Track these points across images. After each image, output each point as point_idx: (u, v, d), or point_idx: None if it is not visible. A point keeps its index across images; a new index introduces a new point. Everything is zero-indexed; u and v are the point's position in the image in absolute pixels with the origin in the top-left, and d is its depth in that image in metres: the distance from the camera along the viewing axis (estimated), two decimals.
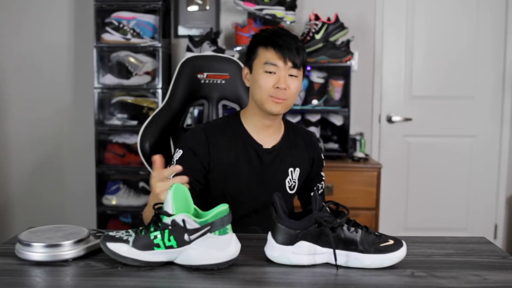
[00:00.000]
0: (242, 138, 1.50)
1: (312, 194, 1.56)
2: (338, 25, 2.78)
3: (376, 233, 1.09)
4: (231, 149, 1.49)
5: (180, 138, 1.56)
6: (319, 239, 1.06)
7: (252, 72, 1.47)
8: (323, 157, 1.64)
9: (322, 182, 1.62)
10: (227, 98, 1.81)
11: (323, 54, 2.75)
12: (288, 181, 1.53)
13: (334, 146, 2.91)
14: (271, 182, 1.50)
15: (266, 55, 1.42)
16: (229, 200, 1.30)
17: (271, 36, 1.43)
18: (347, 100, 2.82)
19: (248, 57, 1.49)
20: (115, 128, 2.89)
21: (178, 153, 1.47)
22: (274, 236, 1.08)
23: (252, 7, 2.74)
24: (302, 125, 2.91)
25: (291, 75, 1.42)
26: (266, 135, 1.51)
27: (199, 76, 1.78)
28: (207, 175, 1.47)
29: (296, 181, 1.54)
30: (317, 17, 2.78)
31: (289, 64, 1.41)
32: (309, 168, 1.59)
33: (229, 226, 1.05)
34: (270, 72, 1.41)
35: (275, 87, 1.40)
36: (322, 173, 1.64)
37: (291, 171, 1.53)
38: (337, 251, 1.06)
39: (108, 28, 2.80)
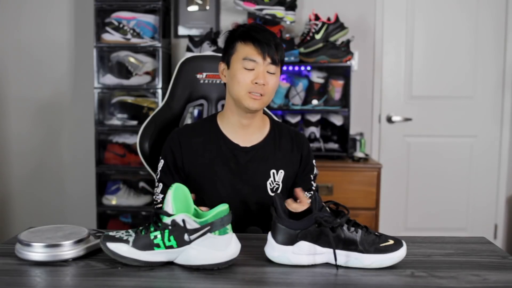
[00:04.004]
0: (217, 139, 1.47)
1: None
2: (338, 25, 2.78)
3: (376, 233, 1.09)
4: (206, 151, 1.47)
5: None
6: (319, 239, 1.06)
7: (230, 67, 1.43)
8: (314, 163, 1.55)
9: (310, 193, 1.51)
10: None
11: (323, 54, 2.75)
12: (270, 183, 1.46)
13: (334, 146, 2.91)
14: (250, 183, 1.45)
15: (245, 51, 1.39)
16: (207, 202, 1.28)
17: (249, 31, 1.40)
18: (347, 100, 2.81)
19: (225, 52, 1.45)
20: (115, 128, 2.89)
21: (160, 163, 1.50)
22: (274, 236, 1.08)
23: (252, 7, 2.74)
24: (301, 128, 2.91)
25: (269, 72, 1.39)
26: (245, 134, 1.48)
27: (199, 76, 1.78)
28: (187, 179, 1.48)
29: (280, 184, 1.47)
30: (317, 17, 2.78)
31: (268, 60, 1.38)
32: (297, 169, 1.52)
33: (229, 226, 1.05)
34: (250, 69, 1.38)
35: (254, 83, 1.38)
36: (313, 183, 1.54)
37: (274, 173, 1.47)
38: (337, 251, 1.05)
39: (108, 28, 2.80)
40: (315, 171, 1.56)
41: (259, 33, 1.39)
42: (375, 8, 3.11)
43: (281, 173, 1.48)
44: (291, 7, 2.78)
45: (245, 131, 1.48)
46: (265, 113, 1.58)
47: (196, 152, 1.47)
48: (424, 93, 3.16)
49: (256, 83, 1.37)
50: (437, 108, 3.16)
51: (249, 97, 1.39)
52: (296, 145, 1.52)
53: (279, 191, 1.48)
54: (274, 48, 1.38)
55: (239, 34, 1.42)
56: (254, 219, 1.47)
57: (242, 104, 1.40)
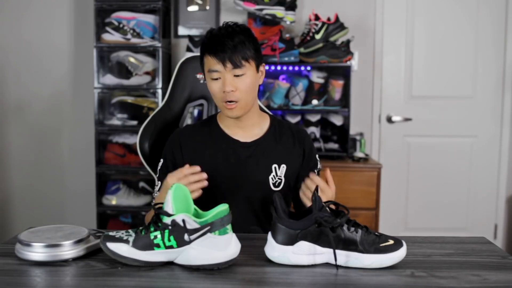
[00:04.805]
0: (217, 137, 1.50)
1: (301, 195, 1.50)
2: (338, 25, 2.78)
3: (376, 233, 1.09)
4: (207, 148, 1.49)
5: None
6: (319, 239, 1.06)
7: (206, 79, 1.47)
8: (317, 158, 1.57)
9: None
10: None
11: (323, 54, 2.75)
12: (272, 178, 1.47)
13: (334, 146, 2.91)
14: (251, 178, 1.46)
15: (208, 63, 1.41)
16: (210, 199, 1.28)
17: (209, 41, 1.41)
18: (347, 100, 2.81)
19: (200, 64, 1.48)
20: (115, 128, 2.89)
21: (160, 163, 1.52)
22: (274, 236, 1.08)
23: (252, 7, 2.74)
24: (302, 125, 2.91)
25: (237, 75, 1.39)
26: (245, 131, 1.50)
27: (198, 76, 1.79)
28: None
29: (282, 178, 1.48)
30: (317, 17, 2.78)
31: (229, 66, 1.37)
32: (300, 164, 1.53)
33: (229, 226, 1.05)
34: (216, 79, 1.40)
35: (223, 92, 1.39)
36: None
37: (275, 168, 1.48)
38: (337, 251, 1.05)
39: (108, 28, 2.80)
40: (319, 165, 1.58)
41: (215, 41, 1.39)
42: (375, 8, 3.11)
43: (283, 167, 1.49)
44: (291, 7, 2.78)
45: (243, 128, 1.50)
46: (264, 111, 1.59)
47: (196, 150, 1.49)
48: (424, 93, 3.16)
49: (224, 91, 1.39)
50: (437, 108, 3.16)
51: (225, 107, 1.41)
52: (297, 140, 1.54)
53: (281, 186, 1.48)
54: (231, 52, 1.37)
55: (202, 47, 1.44)
56: (258, 214, 1.48)
57: (224, 113, 1.45)
